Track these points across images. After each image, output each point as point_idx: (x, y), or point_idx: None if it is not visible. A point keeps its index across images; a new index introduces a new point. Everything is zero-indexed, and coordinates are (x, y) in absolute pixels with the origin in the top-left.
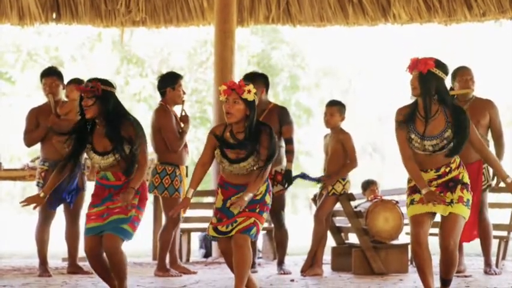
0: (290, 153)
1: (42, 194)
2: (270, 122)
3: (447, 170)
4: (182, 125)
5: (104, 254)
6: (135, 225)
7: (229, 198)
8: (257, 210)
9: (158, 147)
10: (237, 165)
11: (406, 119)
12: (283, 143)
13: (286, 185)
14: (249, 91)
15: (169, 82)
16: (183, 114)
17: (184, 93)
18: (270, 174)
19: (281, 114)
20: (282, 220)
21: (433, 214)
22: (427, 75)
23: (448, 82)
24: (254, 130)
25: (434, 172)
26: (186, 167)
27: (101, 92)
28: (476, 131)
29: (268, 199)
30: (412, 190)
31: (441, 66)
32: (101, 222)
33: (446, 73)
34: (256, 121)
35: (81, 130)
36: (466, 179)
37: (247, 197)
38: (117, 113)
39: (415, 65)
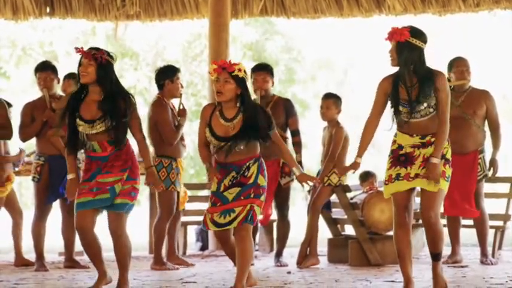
0: (298, 144)
1: (72, 176)
2: (276, 114)
3: (432, 140)
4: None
5: (95, 233)
6: (132, 196)
7: (222, 181)
8: (252, 195)
9: (155, 140)
10: (225, 143)
11: (390, 88)
12: (288, 135)
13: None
14: (240, 69)
15: (168, 74)
16: (181, 108)
17: (182, 86)
18: (278, 167)
19: (287, 106)
20: (285, 212)
21: (413, 188)
22: (404, 45)
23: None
24: (248, 108)
25: (419, 138)
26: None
27: (104, 60)
28: (448, 104)
29: (262, 180)
30: (396, 159)
31: (418, 34)
32: (92, 196)
33: (424, 41)
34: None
35: (76, 100)
36: (449, 155)
37: (298, 171)
38: (116, 83)
39: (392, 35)
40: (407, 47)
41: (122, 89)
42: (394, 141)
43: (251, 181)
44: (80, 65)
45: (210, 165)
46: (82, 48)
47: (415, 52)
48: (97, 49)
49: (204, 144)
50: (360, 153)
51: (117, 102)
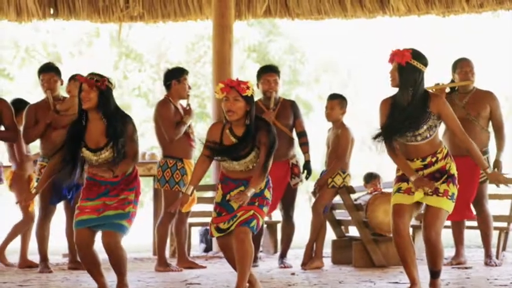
0: (306, 144)
1: (34, 191)
2: (285, 116)
3: (433, 160)
4: None
5: (94, 248)
6: (131, 220)
7: (228, 192)
8: (256, 204)
9: (161, 140)
10: (237, 162)
11: (389, 110)
12: (294, 135)
13: (307, 176)
14: (248, 87)
15: (175, 75)
16: (188, 108)
17: (189, 87)
18: (288, 167)
19: (294, 108)
20: (291, 213)
21: (418, 204)
22: (405, 67)
23: (436, 72)
24: (254, 126)
25: (420, 162)
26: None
27: (105, 86)
28: (458, 123)
29: (268, 194)
30: (400, 179)
31: (419, 57)
32: (96, 215)
33: (425, 64)
34: (255, 117)
35: (78, 126)
36: (453, 171)
37: (250, 192)
38: (117, 109)
39: (394, 56)
40: (409, 68)
41: (122, 113)
42: (398, 169)
43: (257, 192)
44: (81, 90)
45: (190, 193)
46: (83, 77)
47: (415, 74)
48: (98, 75)
49: (203, 161)
50: (411, 173)
51: (120, 127)
